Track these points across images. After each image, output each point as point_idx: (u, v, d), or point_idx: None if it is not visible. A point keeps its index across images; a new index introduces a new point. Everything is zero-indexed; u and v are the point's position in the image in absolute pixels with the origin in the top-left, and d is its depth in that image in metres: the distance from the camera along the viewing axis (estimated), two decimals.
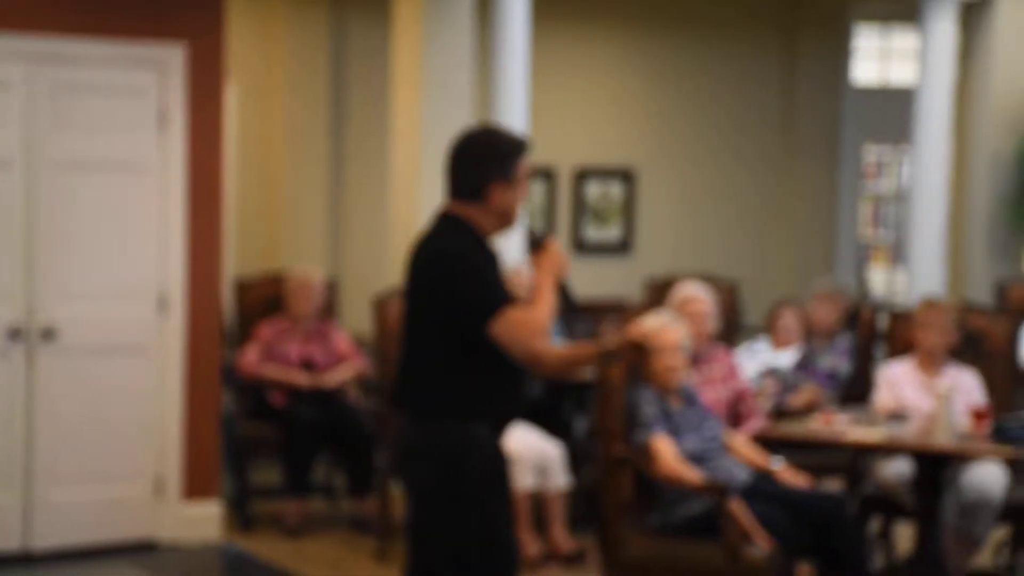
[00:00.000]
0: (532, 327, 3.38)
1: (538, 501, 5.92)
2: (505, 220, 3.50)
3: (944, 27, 8.81)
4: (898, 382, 5.61)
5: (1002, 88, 9.01)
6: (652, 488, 4.72)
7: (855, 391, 6.19)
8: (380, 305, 6.23)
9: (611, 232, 10.01)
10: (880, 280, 11.83)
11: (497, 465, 3.49)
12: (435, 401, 3.45)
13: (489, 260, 3.48)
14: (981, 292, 8.91)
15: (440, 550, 3.47)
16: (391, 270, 7.84)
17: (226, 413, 6.56)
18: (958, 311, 5.92)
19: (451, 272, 3.42)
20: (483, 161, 3.46)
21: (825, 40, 10.27)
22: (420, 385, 3.47)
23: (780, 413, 5.92)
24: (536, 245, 3.55)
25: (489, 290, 3.42)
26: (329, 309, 6.99)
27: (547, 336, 3.42)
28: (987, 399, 5.52)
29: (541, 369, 3.44)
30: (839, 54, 10.37)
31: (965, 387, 5.52)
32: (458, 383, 3.44)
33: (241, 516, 6.53)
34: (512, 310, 3.39)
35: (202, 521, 6.17)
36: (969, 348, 5.85)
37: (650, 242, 10.04)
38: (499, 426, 3.51)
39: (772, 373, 6.29)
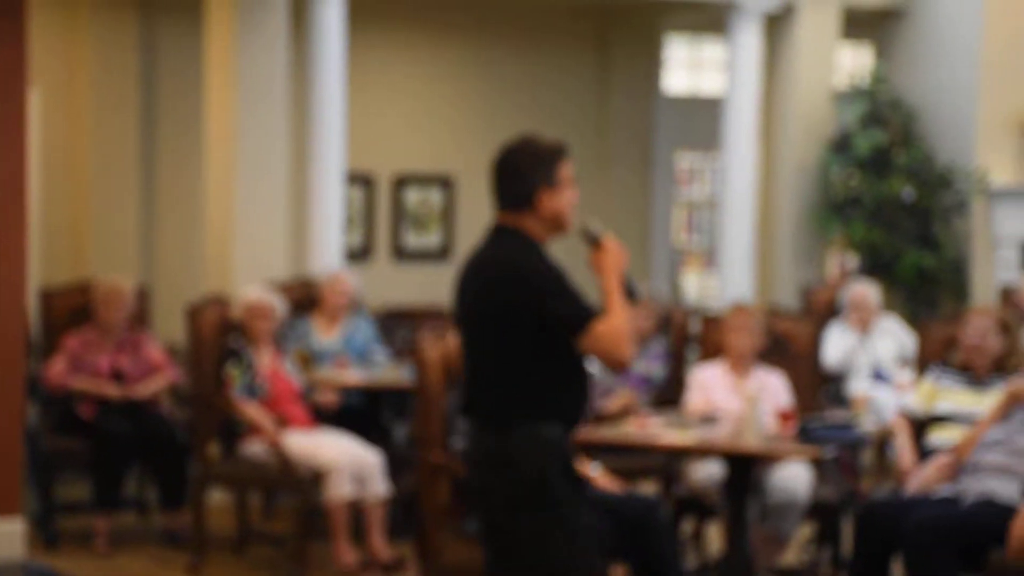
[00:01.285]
0: (617, 337, 3.45)
1: (356, 509, 5.86)
2: (558, 225, 3.57)
3: (749, 39, 9.03)
4: (709, 385, 5.69)
5: (805, 98, 9.26)
6: (470, 494, 4.70)
7: (669, 395, 6.26)
8: (193, 313, 6.08)
9: (431, 239, 9.99)
10: (694, 285, 12.04)
11: (572, 465, 3.56)
12: (513, 406, 3.49)
13: (561, 271, 3.53)
14: (788, 296, 9.15)
15: (531, 556, 3.49)
16: (205, 277, 7.68)
17: (31, 427, 6.33)
18: (765, 315, 6.05)
19: (534, 289, 3.48)
20: (526, 169, 3.53)
21: (637, 50, 10.42)
22: (496, 393, 3.50)
23: (596, 417, 5.95)
24: (594, 244, 3.58)
25: (576, 305, 3.48)
26: (140, 318, 6.79)
27: (631, 339, 3.50)
28: (793, 400, 5.65)
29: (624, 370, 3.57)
30: (651, 64, 10.53)
31: (772, 389, 5.63)
32: (533, 387, 3.50)
33: (46, 533, 6.30)
34: (598, 324, 3.45)
35: (3, 538, 5.93)
36: (776, 351, 5.97)
37: (469, 249, 10.05)
38: (571, 426, 3.57)
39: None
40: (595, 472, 4.91)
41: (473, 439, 3.57)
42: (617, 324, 3.46)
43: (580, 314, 3.46)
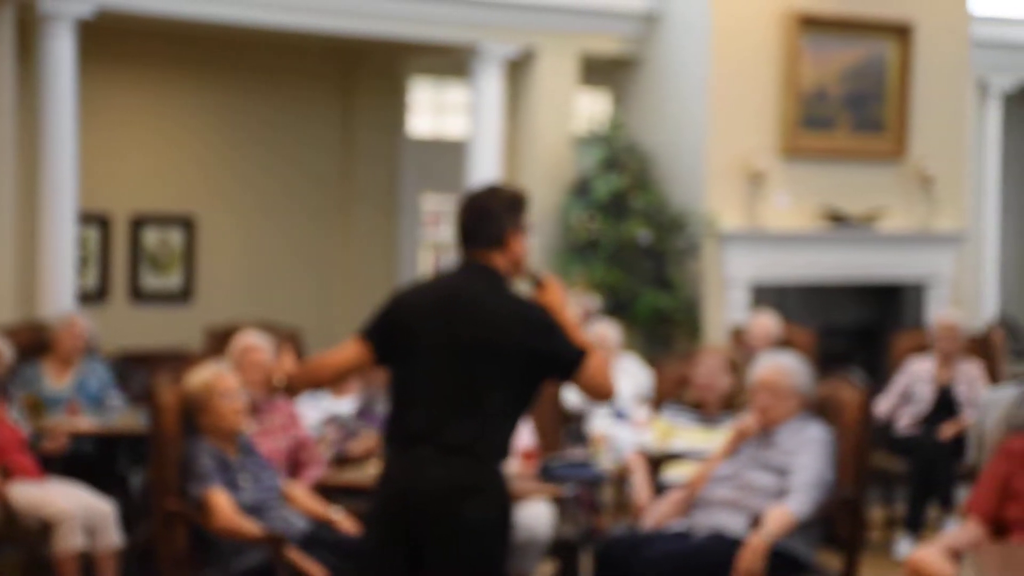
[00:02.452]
0: (607, 369, 3.71)
1: (88, 561, 5.64)
2: (518, 266, 3.78)
3: (491, 83, 9.17)
4: None
5: (546, 143, 9.44)
6: (208, 542, 4.60)
7: None
8: None
9: (171, 280, 9.76)
10: None
11: None
12: (493, 447, 3.62)
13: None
14: None
15: None
16: None
17: None
18: None
19: (540, 327, 3.65)
20: (500, 212, 3.74)
21: (382, 93, 10.45)
22: (476, 431, 3.59)
23: (342, 460, 5.91)
24: (538, 284, 3.75)
25: (569, 342, 3.66)
26: None
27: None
28: (535, 440, 5.72)
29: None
30: (396, 106, 10.58)
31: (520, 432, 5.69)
32: (507, 431, 3.67)
33: None
34: (590, 360, 3.65)
35: None
36: None
37: (211, 290, 9.86)
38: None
39: (333, 420, 6.28)
40: (337, 515, 4.87)
41: (436, 468, 3.58)
42: (602, 356, 3.71)
43: (575, 351, 3.66)
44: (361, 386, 6.45)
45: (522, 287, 3.82)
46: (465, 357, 3.64)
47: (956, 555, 3.96)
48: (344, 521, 4.82)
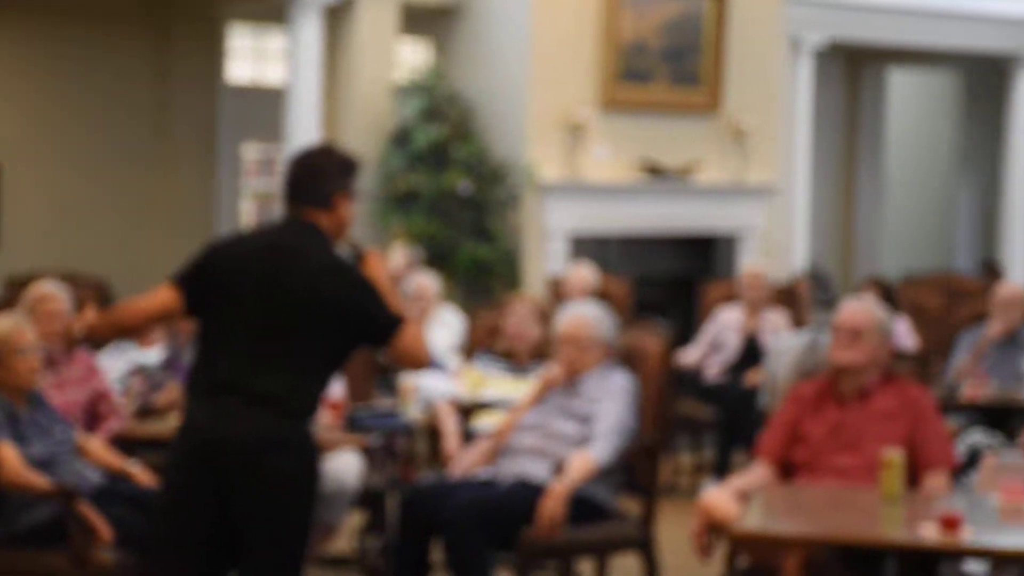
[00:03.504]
0: (422, 339, 3.69)
1: None
2: (343, 230, 3.72)
3: (310, 30, 9.03)
4: None
5: (366, 91, 9.36)
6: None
7: None
8: None
9: None
10: None
11: None
12: (301, 401, 3.59)
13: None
14: None
15: (298, 536, 3.61)
16: None
17: None
18: None
19: (360, 290, 3.61)
20: (331, 172, 3.68)
21: (198, 39, 10.22)
22: (286, 384, 3.55)
23: (146, 412, 5.80)
24: (360, 256, 3.67)
25: (388, 310, 3.63)
26: None
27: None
28: (345, 391, 5.69)
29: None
30: (213, 53, 10.36)
31: None
32: (318, 387, 3.63)
33: None
34: (406, 328, 3.63)
35: None
36: None
37: (18, 240, 9.57)
38: None
39: (139, 371, 6.17)
40: (134, 468, 4.78)
41: (243, 419, 3.53)
42: (417, 327, 3.67)
43: (396, 317, 3.63)
44: (167, 337, 6.33)
45: (343, 254, 3.77)
46: (280, 310, 3.59)
47: (745, 496, 4.06)
48: (141, 474, 4.73)
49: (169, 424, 5.17)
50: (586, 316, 5.07)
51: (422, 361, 3.71)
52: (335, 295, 3.58)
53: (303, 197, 3.68)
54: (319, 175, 3.68)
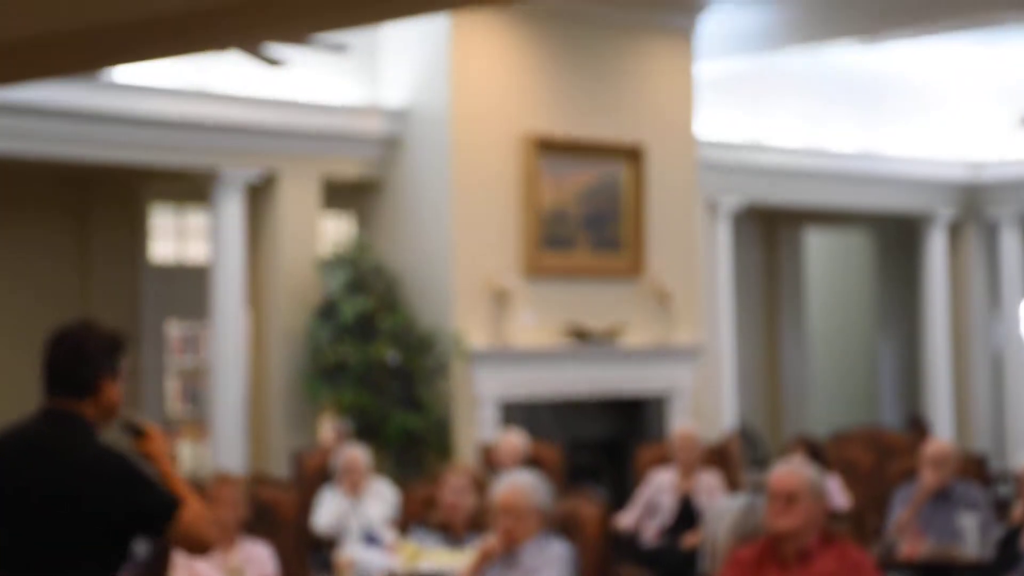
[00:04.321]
0: (206, 520, 3.42)
1: None
2: (110, 413, 3.48)
3: (232, 208, 9.11)
4: (192, 561, 5.55)
5: (290, 266, 9.39)
6: None
7: (154, 572, 6.03)
8: None
9: None
10: (188, 455, 11.79)
11: None
12: None
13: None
14: (281, 463, 9.11)
15: None
16: None
17: None
18: (250, 484, 6.00)
19: (117, 483, 3.35)
20: (92, 355, 3.44)
21: (119, 220, 10.24)
22: None
23: None
24: (138, 433, 3.49)
25: (162, 494, 3.38)
26: None
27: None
28: (279, 570, 5.60)
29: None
30: (135, 233, 10.37)
31: (258, 560, 5.56)
32: None
33: None
34: (184, 512, 3.37)
35: None
36: (263, 520, 5.92)
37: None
38: None
39: None
40: None
41: None
42: (199, 507, 3.42)
43: (168, 502, 3.36)
44: None
45: (116, 437, 3.54)
46: (38, 520, 3.34)
47: None
48: None
49: None
50: (522, 485, 5.04)
51: (206, 544, 3.43)
52: (96, 497, 3.33)
53: (62, 385, 3.45)
54: (81, 359, 3.44)
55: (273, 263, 9.41)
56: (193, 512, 3.38)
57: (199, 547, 3.43)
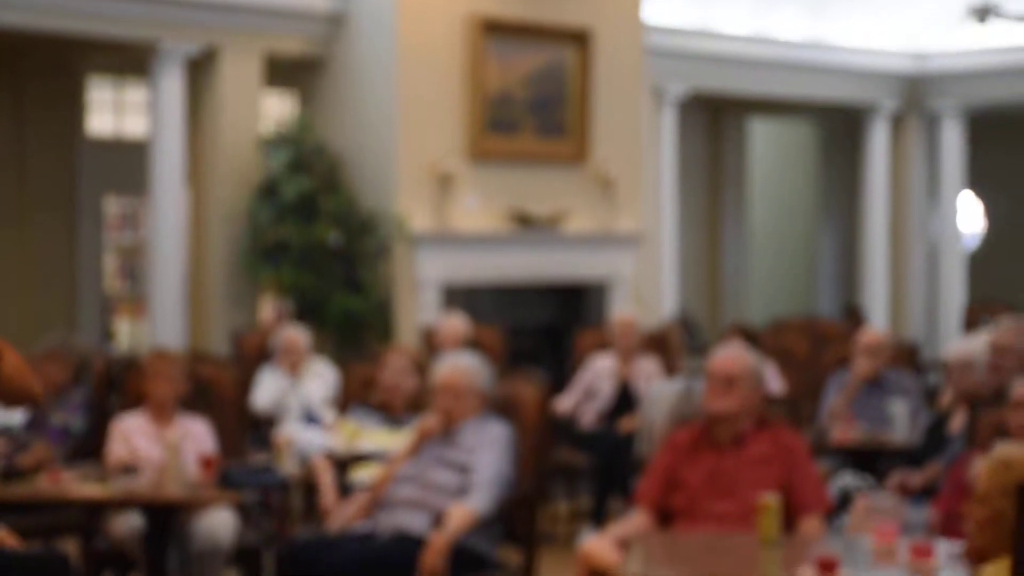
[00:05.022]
0: (25, 369, 3.36)
1: None
2: None
3: (172, 82, 8.96)
4: (131, 434, 5.58)
5: (231, 143, 9.28)
6: None
7: (90, 446, 6.06)
8: None
9: None
10: (126, 332, 11.75)
11: None
12: None
13: None
14: (220, 342, 9.11)
15: None
16: None
17: None
18: (189, 361, 6.00)
19: None
20: None
21: (55, 92, 10.06)
22: None
23: (6, 474, 5.65)
24: None
25: None
26: None
27: None
28: (217, 447, 5.62)
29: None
30: (71, 106, 10.20)
31: (196, 436, 5.58)
32: None
33: None
34: (3, 358, 3.29)
35: None
36: (201, 397, 5.94)
37: None
38: None
39: (3, 432, 6.02)
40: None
41: None
42: (16, 357, 3.34)
43: None
44: None
45: None
46: None
47: (625, 544, 4.08)
48: (7, 538, 4.60)
49: (34, 486, 5.05)
50: (462, 366, 5.07)
51: (29, 393, 3.40)
52: None
53: None
54: None
55: (214, 140, 9.30)
56: (12, 364, 3.34)
57: (21, 395, 3.40)
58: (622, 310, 9.04)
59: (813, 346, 8.50)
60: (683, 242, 12.07)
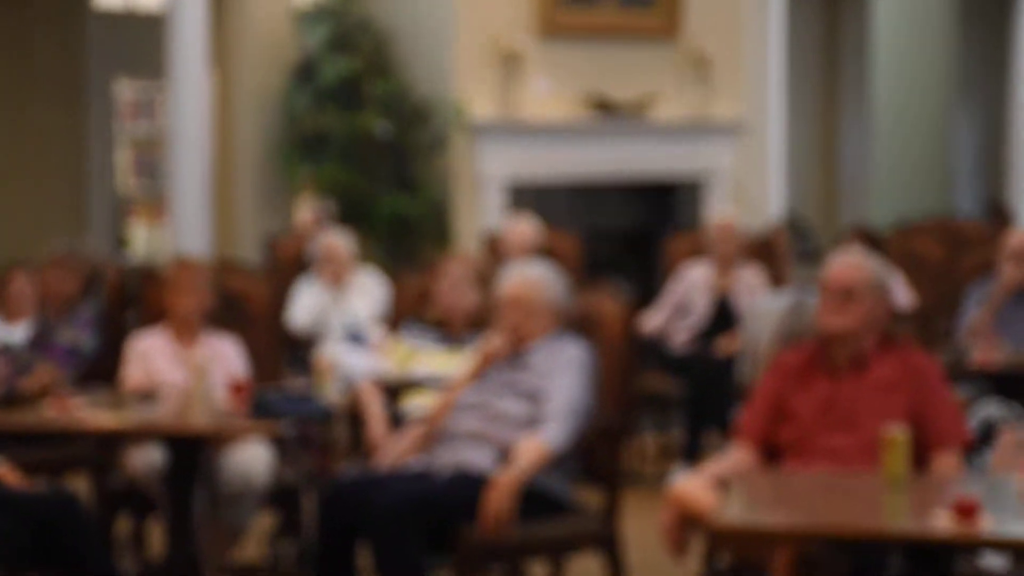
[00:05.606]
0: None
1: None
2: None
3: None
4: (150, 355, 5.64)
5: (262, 15, 9.27)
6: None
7: (103, 369, 6.15)
8: None
9: None
10: (145, 238, 11.87)
11: None
12: None
13: None
14: (252, 249, 9.18)
15: None
16: None
17: None
18: (216, 271, 6.03)
19: None
20: None
21: None
22: None
23: (12, 399, 5.75)
24: None
25: None
26: None
27: None
28: (249, 370, 5.66)
29: None
30: None
31: (225, 357, 5.63)
32: None
33: None
34: None
35: None
36: (231, 313, 5.98)
37: None
38: None
39: (3, 352, 6.12)
40: None
41: None
42: None
43: None
44: (35, 309, 6.28)
45: None
46: None
47: (723, 484, 4.08)
48: (7, 474, 4.67)
49: (40, 414, 5.12)
50: (533, 277, 5.07)
51: None
52: None
53: None
54: None
55: (241, 13, 9.30)
56: None
57: None
58: (720, 211, 8.97)
59: (949, 251, 8.41)
60: (793, 130, 11.95)
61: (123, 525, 5.63)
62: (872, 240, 7.49)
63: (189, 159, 9.12)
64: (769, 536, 3.86)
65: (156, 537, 5.75)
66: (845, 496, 3.96)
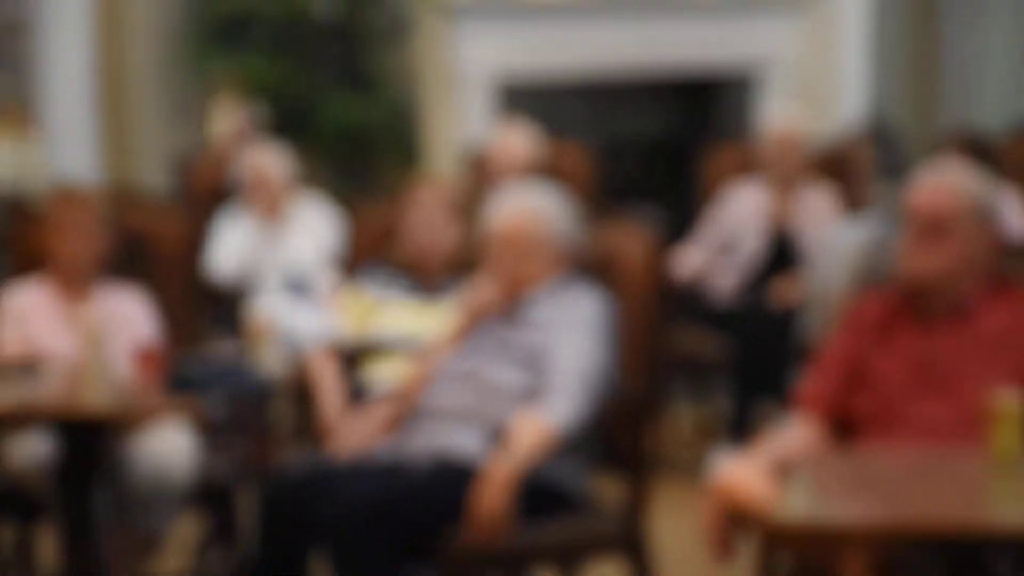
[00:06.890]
0: None
1: None
2: None
3: None
4: (28, 315, 5.71)
5: None
6: None
7: None
8: None
9: None
10: (7, 159, 11.91)
11: None
12: None
13: None
14: (155, 173, 9.20)
15: None
16: None
17: None
18: (109, 203, 6.04)
19: None
20: None
21: None
22: None
23: None
24: None
25: None
26: None
27: None
28: (160, 333, 5.74)
29: None
30: None
31: (128, 317, 5.70)
32: None
33: None
34: None
35: None
36: (131, 259, 5.99)
37: None
38: None
39: None
40: None
41: None
42: None
43: None
44: None
45: None
46: None
47: (783, 469, 4.10)
48: None
49: None
50: (531, 207, 5.14)
51: None
52: None
53: None
54: None
55: None
56: None
57: None
58: (780, 113, 9.05)
59: None
60: (878, 8, 12.00)
61: (5, 533, 5.75)
62: (979, 149, 7.52)
63: (67, 52, 9.13)
64: (842, 536, 3.89)
65: (47, 547, 5.79)
66: (941, 481, 4.00)
